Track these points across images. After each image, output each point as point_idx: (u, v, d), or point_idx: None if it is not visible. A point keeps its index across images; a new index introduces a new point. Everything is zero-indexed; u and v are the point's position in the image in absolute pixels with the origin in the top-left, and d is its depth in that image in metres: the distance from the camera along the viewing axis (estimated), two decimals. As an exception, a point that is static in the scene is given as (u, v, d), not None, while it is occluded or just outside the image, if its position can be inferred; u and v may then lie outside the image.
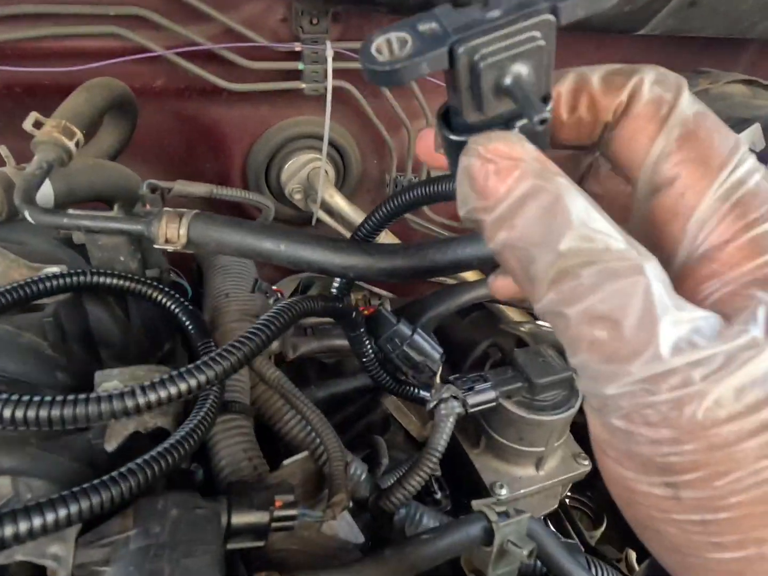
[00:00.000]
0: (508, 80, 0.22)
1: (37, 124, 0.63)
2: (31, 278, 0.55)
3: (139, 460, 0.40)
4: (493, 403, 0.73)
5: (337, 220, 1.08)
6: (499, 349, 0.90)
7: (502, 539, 0.53)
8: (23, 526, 0.33)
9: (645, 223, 0.25)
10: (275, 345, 0.73)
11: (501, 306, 1.11)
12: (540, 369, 0.76)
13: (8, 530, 0.32)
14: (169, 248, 0.56)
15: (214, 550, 0.39)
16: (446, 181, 0.50)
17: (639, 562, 0.92)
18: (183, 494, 0.42)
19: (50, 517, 0.34)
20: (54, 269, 0.60)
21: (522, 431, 0.78)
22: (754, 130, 0.58)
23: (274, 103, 1.00)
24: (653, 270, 0.20)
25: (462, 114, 0.24)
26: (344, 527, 0.52)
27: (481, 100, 0.23)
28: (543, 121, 0.22)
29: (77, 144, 0.65)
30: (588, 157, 0.31)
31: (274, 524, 0.44)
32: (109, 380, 0.50)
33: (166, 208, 0.55)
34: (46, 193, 0.67)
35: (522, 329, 0.91)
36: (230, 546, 0.42)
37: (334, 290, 0.62)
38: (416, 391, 0.72)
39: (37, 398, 0.35)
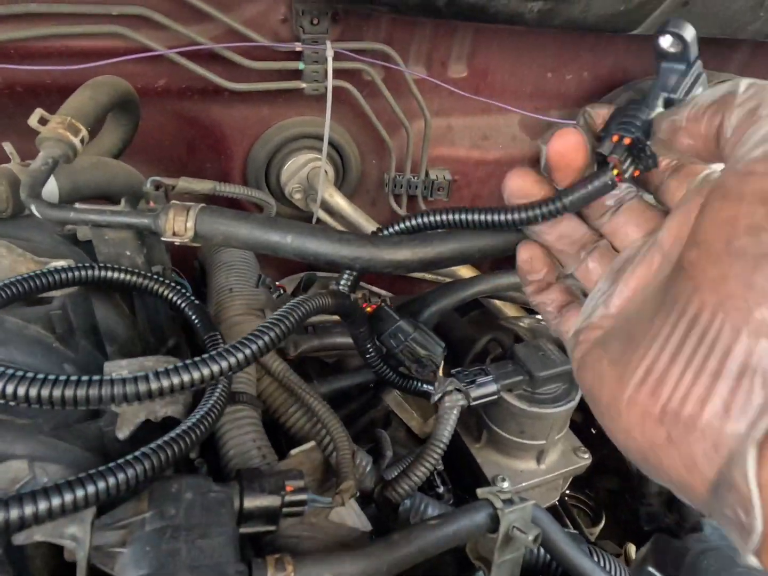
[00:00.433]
0: None
1: (42, 121, 0.64)
2: (39, 270, 0.55)
3: (152, 445, 0.41)
4: (495, 396, 0.74)
5: (337, 219, 1.09)
6: (499, 344, 0.91)
7: (508, 525, 0.53)
8: (43, 506, 0.33)
9: None
10: (279, 340, 0.73)
11: (498, 303, 1.12)
12: (540, 362, 0.77)
13: (28, 510, 0.33)
14: (177, 241, 0.57)
15: (228, 532, 0.39)
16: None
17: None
18: (196, 478, 0.42)
19: (68, 497, 0.34)
20: (61, 263, 0.61)
21: (523, 424, 0.79)
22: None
23: (274, 103, 1.01)
24: None
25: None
26: (352, 515, 0.52)
27: None
28: None
29: (82, 141, 0.66)
30: None
31: (285, 509, 0.44)
32: (119, 370, 0.51)
33: (173, 201, 0.56)
34: (50, 189, 0.67)
35: (521, 324, 0.92)
36: (243, 530, 0.43)
37: (341, 287, 0.62)
38: (420, 385, 0.73)
39: (51, 377, 0.36)
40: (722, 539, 0.73)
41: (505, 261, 0.49)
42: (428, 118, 1.05)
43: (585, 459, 0.85)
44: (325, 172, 1.04)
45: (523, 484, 0.81)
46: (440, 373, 0.77)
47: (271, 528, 0.44)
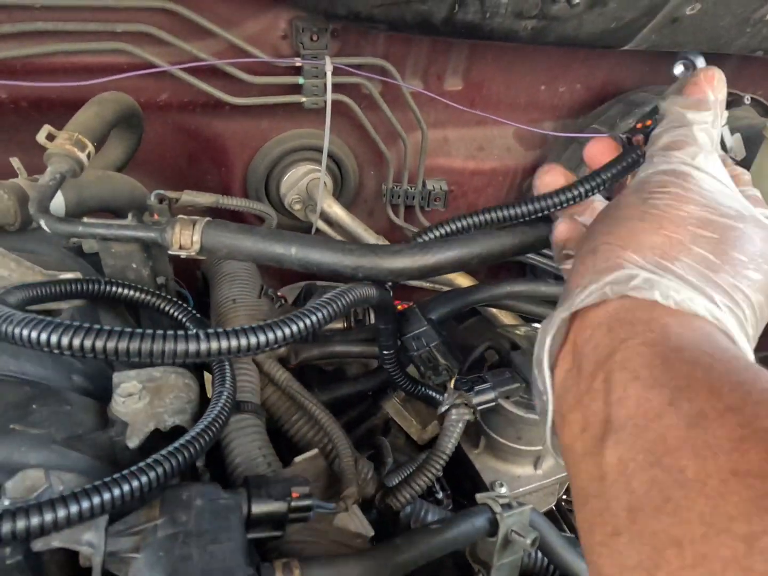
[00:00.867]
0: None
1: (50, 137, 0.66)
2: (48, 280, 0.57)
3: (162, 452, 0.42)
4: (493, 403, 0.76)
5: (335, 229, 1.11)
6: (496, 351, 0.92)
7: (506, 529, 0.55)
8: (62, 513, 0.35)
9: None
10: (282, 349, 0.75)
11: (495, 311, 1.14)
12: (537, 370, 0.78)
13: (48, 517, 0.34)
14: (183, 254, 0.58)
15: (237, 537, 0.40)
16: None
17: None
18: (205, 485, 0.44)
19: (86, 504, 0.36)
20: (69, 275, 0.62)
21: (520, 431, 0.80)
22: (735, 139, 0.64)
23: (274, 117, 1.03)
24: None
25: None
26: (355, 520, 0.54)
27: None
28: None
29: (88, 156, 0.67)
30: None
31: (291, 515, 0.46)
32: (128, 380, 0.52)
33: (180, 216, 0.57)
34: (57, 203, 0.69)
35: (517, 332, 0.93)
36: (250, 535, 0.44)
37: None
38: (425, 389, 0.75)
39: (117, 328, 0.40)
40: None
41: (500, 269, 0.52)
42: (425, 130, 1.07)
43: (581, 464, 0.86)
44: (324, 183, 1.06)
45: (521, 489, 0.83)
46: (452, 383, 0.78)
47: (278, 533, 0.46)
